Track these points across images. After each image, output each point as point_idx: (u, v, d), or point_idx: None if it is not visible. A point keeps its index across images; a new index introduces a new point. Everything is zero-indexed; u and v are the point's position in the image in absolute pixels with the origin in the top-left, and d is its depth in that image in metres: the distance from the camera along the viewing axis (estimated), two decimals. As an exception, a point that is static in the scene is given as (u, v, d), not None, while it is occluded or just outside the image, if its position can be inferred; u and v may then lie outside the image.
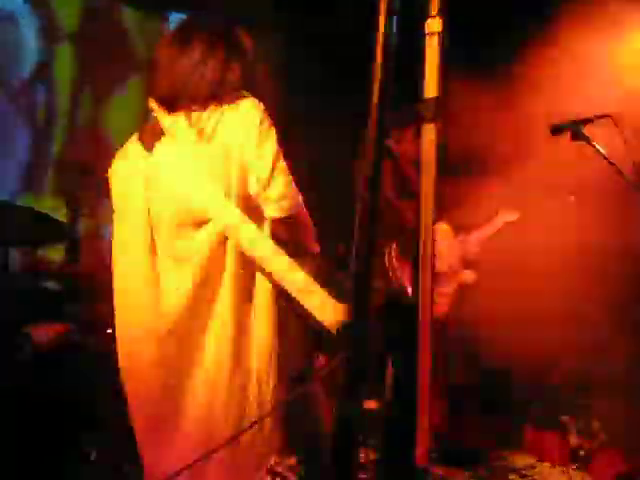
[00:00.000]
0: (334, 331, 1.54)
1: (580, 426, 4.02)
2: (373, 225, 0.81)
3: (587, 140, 2.37)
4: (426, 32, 0.79)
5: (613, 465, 3.75)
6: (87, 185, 3.65)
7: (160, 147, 1.72)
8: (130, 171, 1.78)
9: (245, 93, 1.73)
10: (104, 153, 4.32)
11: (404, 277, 2.70)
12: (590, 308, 3.68)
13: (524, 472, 3.87)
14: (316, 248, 1.78)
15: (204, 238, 1.66)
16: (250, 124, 1.65)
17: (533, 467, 4.00)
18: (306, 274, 1.60)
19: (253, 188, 1.66)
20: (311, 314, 1.57)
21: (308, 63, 4.72)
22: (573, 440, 4.01)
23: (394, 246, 2.75)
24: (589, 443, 3.95)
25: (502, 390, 4.49)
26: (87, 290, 3.20)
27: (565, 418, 4.11)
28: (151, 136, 1.75)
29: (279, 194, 1.66)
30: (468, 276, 3.11)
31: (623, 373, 3.52)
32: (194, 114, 1.69)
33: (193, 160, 1.66)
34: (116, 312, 1.81)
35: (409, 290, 2.68)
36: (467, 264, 3.17)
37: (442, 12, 0.78)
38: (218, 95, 1.70)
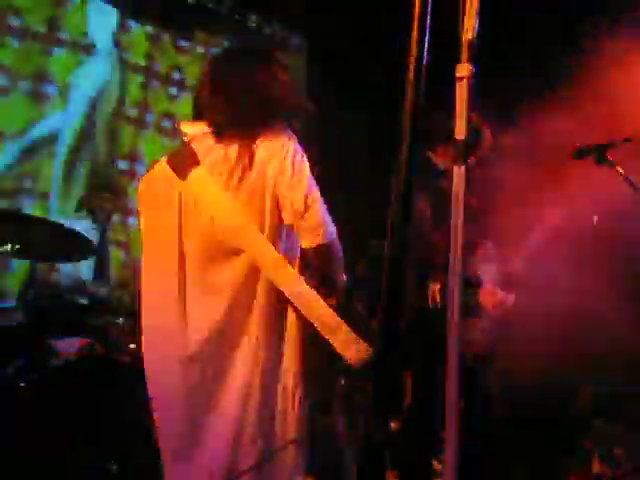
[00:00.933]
0: (355, 367, 1.59)
1: (603, 453, 3.94)
2: (403, 252, 0.83)
3: (611, 164, 2.37)
4: (456, 76, 0.81)
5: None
6: (118, 206, 3.75)
7: (194, 176, 1.72)
8: (160, 196, 1.78)
9: (277, 124, 1.74)
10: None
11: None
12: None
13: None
14: (343, 277, 1.80)
15: (236, 270, 1.67)
16: (284, 155, 1.67)
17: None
18: (331, 309, 1.62)
19: (288, 218, 1.68)
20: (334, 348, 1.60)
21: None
22: (596, 468, 3.94)
23: (439, 285, 2.76)
24: (612, 470, 3.88)
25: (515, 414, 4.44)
26: (113, 307, 3.25)
27: (587, 443, 4.04)
28: (184, 163, 1.74)
29: (315, 223, 1.67)
30: (509, 299, 2.98)
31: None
32: (233, 144, 1.69)
33: (228, 191, 1.67)
34: (143, 335, 1.82)
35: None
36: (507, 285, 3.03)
37: (473, 58, 0.81)
38: (272, 119, 1.71)
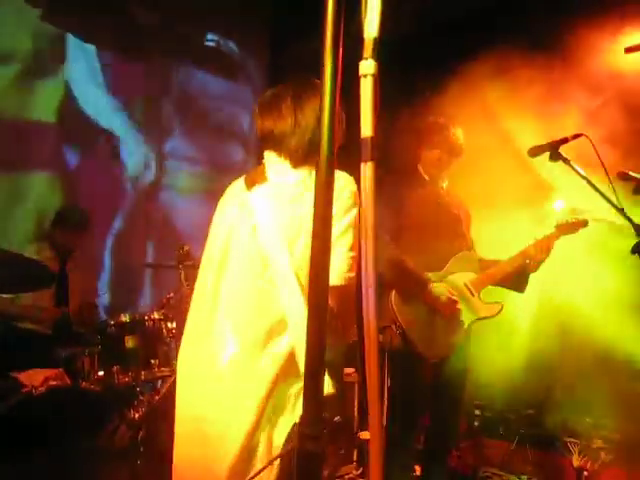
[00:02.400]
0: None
1: (583, 446, 3.97)
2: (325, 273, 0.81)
3: (565, 160, 2.40)
4: (360, 74, 0.81)
5: (617, 484, 3.71)
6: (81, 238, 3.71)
7: (258, 188, 1.83)
8: (226, 205, 1.90)
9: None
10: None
11: (402, 320, 2.73)
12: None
13: (529, 496, 3.82)
14: (351, 337, 1.81)
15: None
16: (338, 196, 1.72)
17: (538, 490, 3.95)
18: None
19: None
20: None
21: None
22: (576, 461, 3.97)
23: (394, 292, 2.76)
24: (592, 464, 3.91)
25: (498, 412, 4.46)
26: (78, 335, 3.19)
27: (568, 439, 4.08)
28: (254, 178, 1.87)
29: (338, 265, 1.70)
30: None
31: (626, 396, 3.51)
32: (302, 170, 1.79)
33: (280, 216, 1.74)
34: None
35: (408, 332, 2.73)
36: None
37: (378, 55, 0.81)
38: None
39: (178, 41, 4.95)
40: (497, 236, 3.31)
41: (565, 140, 2.42)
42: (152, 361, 3.20)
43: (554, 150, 2.42)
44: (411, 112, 3.74)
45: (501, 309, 2.88)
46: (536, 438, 4.24)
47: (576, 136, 2.41)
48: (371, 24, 0.80)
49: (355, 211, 1.73)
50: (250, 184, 1.86)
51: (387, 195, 2.84)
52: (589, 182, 2.31)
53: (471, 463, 4.12)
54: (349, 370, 3.91)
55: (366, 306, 0.82)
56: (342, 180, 1.74)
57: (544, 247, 2.87)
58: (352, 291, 1.76)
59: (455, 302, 2.74)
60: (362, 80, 0.81)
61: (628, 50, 4.04)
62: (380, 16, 0.80)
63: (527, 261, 2.87)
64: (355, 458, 4.01)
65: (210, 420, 1.68)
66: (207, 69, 5.15)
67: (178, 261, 3.10)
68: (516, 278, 2.92)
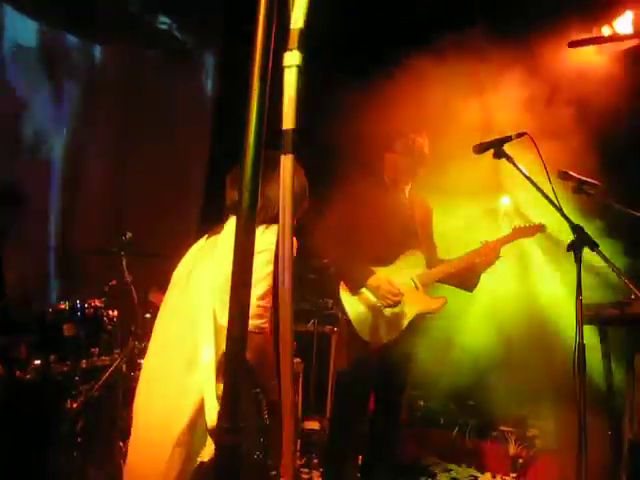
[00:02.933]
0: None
1: (519, 435, 4.11)
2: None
3: (509, 158, 2.46)
4: (284, 65, 0.80)
5: (549, 471, 3.86)
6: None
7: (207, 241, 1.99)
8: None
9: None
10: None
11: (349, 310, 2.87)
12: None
13: (466, 483, 3.93)
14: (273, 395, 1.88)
15: None
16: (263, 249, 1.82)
17: (474, 478, 4.06)
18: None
19: None
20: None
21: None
22: (512, 449, 4.10)
23: (342, 284, 2.91)
24: (527, 452, 4.05)
25: (443, 403, 4.57)
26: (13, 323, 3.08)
27: (504, 428, 4.21)
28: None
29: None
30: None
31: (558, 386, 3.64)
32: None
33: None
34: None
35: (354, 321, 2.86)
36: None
37: (302, 46, 0.80)
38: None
39: (129, 21, 4.81)
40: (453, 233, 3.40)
41: (509, 138, 2.47)
42: (92, 350, 3.13)
43: (498, 148, 2.48)
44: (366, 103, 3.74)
45: (444, 303, 2.95)
46: (475, 428, 4.36)
47: (519, 135, 2.46)
48: (297, 15, 0.79)
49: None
50: (209, 236, 2.01)
51: (346, 194, 2.96)
52: (530, 180, 2.37)
53: (412, 452, 4.21)
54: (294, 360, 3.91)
55: (282, 295, 0.82)
56: (272, 236, 1.84)
57: (493, 249, 2.95)
58: (263, 341, 1.83)
59: (396, 293, 2.83)
60: (286, 71, 0.80)
61: (572, 44, 4.17)
62: (307, 6, 0.79)
63: (477, 261, 2.95)
64: (298, 448, 4.03)
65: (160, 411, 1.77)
66: (157, 52, 5.02)
67: (120, 248, 3.03)
68: (464, 277, 3.00)
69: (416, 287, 2.94)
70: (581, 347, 2.21)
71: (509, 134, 2.48)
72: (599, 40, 4.18)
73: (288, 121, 0.80)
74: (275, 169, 1.88)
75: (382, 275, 2.86)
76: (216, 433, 0.70)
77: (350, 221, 2.92)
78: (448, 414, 4.52)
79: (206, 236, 2.03)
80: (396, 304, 2.85)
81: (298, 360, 3.96)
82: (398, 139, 3.03)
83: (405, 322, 2.89)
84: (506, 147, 2.46)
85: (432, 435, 4.48)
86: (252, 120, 0.77)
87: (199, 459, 1.69)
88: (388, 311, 2.87)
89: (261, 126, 0.77)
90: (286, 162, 0.82)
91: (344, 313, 2.86)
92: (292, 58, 0.80)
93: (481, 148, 2.52)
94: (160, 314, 1.97)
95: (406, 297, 2.88)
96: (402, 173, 3.05)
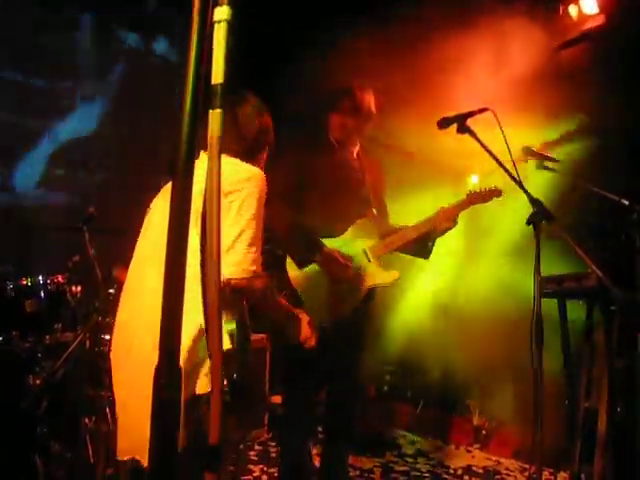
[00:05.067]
0: None
1: (482, 407, 4.22)
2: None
3: (471, 133, 2.48)
4: (214, 20, 0.80)
5: (511, 441, 3.97)
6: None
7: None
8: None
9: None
10: None
11: (296, 285, 2.72)
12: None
13: (431, 455, 4.02)
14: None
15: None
16: (246, 189, 1.79)
17: (440, 449, 4.16)
18: None
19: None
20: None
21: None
22: (476, 421, 4.21)
23: (288, 258, 2.75)
24: (489, 423, 4.16)
25: (408, 376, 4.66)
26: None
27: (469, 401, 4.31)
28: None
29: (237, 260, 1.75)
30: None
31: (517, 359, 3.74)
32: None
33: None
34: None
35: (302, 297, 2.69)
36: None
37: (232, 1, 0.80)
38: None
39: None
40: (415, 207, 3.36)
41: (471, 113, 2.49)
42: (55, 326, 3.10)
43: (461, 123, 2.49)
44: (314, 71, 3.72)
45: (397, 277, 2.80)
46: (440, 401, 4.46)
47: (482, 110, 2.48)
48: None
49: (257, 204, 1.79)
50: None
51: (290, 160, 2.80)
52: (491, 154, 2.39)
53: (379, 426, 4.28)
54: (259, 336, 3.94)
55: (209, 264, 0.82)
56: (244, 173, 1.82)
57: (449, 216, 2.84)
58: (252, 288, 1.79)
59: (347, 267, 2.69)
60: (216, 26, 0.79)
61: (561, 46, 4.19)
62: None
63: (432, 229, 2.84)
64: (266, 422, 4.07)
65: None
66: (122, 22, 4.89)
67: (83, 223, 2.98)
68: (419, 245, 2.90)
69: (368, 259, 2.78)
70: (539, 319, 2.27)
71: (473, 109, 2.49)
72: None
73: (217, 76, 0.80)
74: (245, 106, 1.96)
75: (331, 248, 2.70)
76: (155, 388, 0.70)
77: (295, 189, 2.75)
78: (414, 388, 4.61)
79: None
80: (348, 279, 2.70)
81: (264, 336, 3.98)
82: (340, 98, 2.86)
83: (358, 297, 2.74)
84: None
85: (398, 409, 4.56)
86: (190, 75, 0.76)
87: (192, 392, 1.65)
88: (337, 286, 2.69)
89: (198, 81, 0.76)
90: (214, 117, 0.81)
91: (290, 289, 2.68)
92: (221, 13, 0.79)
93: (444, 123, 2.52)
94: (133, 265, 1.92)
95: (357, 270, 2.73)
96: (349, 134, 2.87)
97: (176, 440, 0.74)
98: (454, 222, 2.87)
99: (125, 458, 1.69)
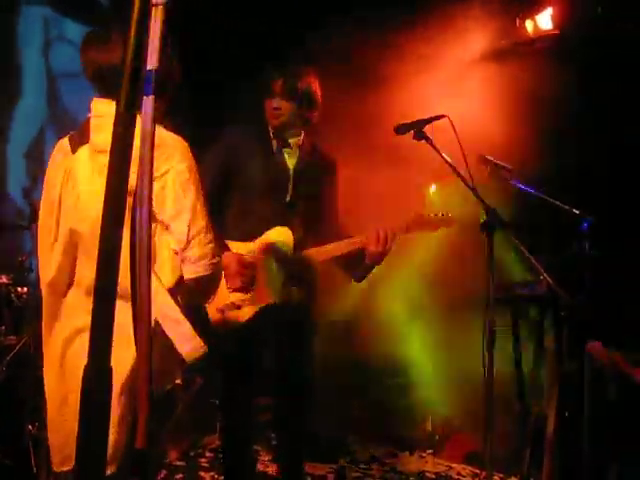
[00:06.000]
0: (188, 362, 1.58)
1: (435, 413, 4.25)
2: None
3: (428, 140, 2.50)
4: (152, 3, 0.78)
5: (463, 446, 4.01)
6: None
7: (80, 153, 1.62)
8: (53, 170, 1.70)
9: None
10: None
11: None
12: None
13: (385, 461, 4.02)
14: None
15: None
16: (173, 169, 1.58)
17: (393, 455, 4.16)
18: (176, 304, 1.56)
19: (172, 243, 1.59)
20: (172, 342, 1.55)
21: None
22: (429, 426, 4.24)
23: None
24: (442, 428, 4.19)
25: (358, 381, 4.65)
26: None
27: (422, 408, 4.34)
28: (79, 140, 1.64)
29: (197, 256, 1.59)
30: None
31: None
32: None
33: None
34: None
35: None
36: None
37: None
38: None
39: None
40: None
41: (428, 120, 2.51)
42: (-1, 328, 2.98)
43: (418, 129, 2.51)
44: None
45: (299, 299, 2.53)
46: (393, 406, 4.47)
47: (439, 117, 2.50)
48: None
49: (196, 184, 1.62)
50: (74, 145, 1.64)
51: (222, 144, 2.62)
52: (447, 162, 2.42)
53: (333, 431, 4.26)
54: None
55: (139, 252, 0.78)
56: (174, 150, 1.60)
57: (381, 239, 2.44)
58: (219, 273, 1.70)
59: (240, 277, 2.43)
60: (153, 9, 0.77)
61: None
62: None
63: (353, 251, 2.49)
64: (218, 428, 4.00)
65: None
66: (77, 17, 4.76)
67: (29, 222, 2.88)
68: (348, 267, 2.61)
69: (273, 273, 2.51)
70: (491, 325, 2.30)
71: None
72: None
73: (152, 61, 0.77)
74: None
75: (233, 254, 2.45)
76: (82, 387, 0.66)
77: (218, 180, 2.52)
78: (368, 393, 4.61)
79: (68, 142, 1.67)
80: (244, 289, 2.46)
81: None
82: (274, 79, 2.54)
83: (254, 311, 2.47)
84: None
85: (352, 414, 4.55)
86: (128, 60, 0.73)
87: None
88: (235, 296, 2.46)
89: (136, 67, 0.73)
90: (148, 103, 0.78)
91: None
92: None
93: (402, 128, 2.54)
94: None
95: (259, 283, 2.48)
96: (287, 122, 2.56)
97: (104, 446, 0.70)
98: (384, 247, 2.45)
99: (63, 469, 1.59)
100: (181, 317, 1.56)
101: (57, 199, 1.62)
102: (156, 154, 1.52)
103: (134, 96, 0.74)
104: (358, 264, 2.54)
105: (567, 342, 2.84)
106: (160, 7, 0.76)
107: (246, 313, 2.48)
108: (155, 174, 1.52)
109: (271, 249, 2.51)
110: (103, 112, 1.61)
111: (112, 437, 1.42)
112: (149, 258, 0.79)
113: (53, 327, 1.66)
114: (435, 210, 2.58)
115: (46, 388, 1.66)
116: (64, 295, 1.64)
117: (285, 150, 2.63)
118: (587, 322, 2.74)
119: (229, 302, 2.48)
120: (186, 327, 1.56)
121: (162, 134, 1.58)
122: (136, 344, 0.84)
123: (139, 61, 0.74)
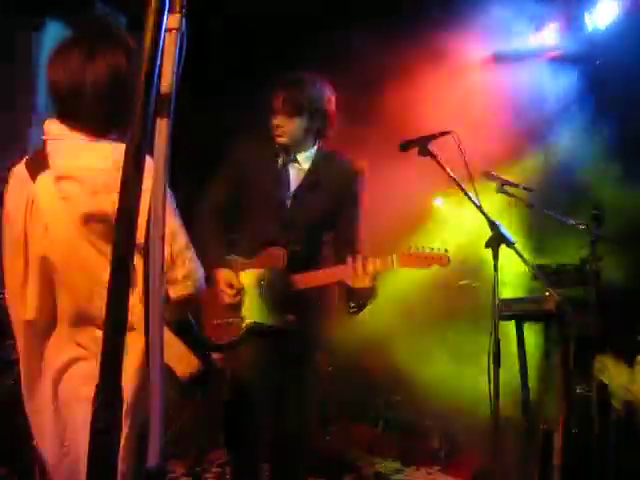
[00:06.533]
0: (184, 381, 1.55)
1: (442, 430, 4.21)
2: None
3: (432, 156, 2.50)
4: (167, 28, 0.79)
5: (470, 463, 3.97)
6: None
7: (42, 180, 1.51)
8: (14, 198, 1.57)
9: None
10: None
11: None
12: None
13: (391, 477, 3.99)
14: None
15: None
16: (149, 190, 1.50)
17: (399, 471, 4.13)
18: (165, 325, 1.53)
19: None
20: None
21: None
22: (436, 443, 4.21)
23: None
24: (449, 445, 4.16)
25: (366, 397, 4.63)
26: None
27: (428, 423, 4.31)
28: (37, 165, 1.53)
29: (182, 276, 1.55)
30: None
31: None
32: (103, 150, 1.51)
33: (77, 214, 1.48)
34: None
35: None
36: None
37: (185, 9, 0.79)
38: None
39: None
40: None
41: (433, 136, 2.52)
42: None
43: (423, 145, 2.52)
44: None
45: (286, 322, 2.42)
46: (400, 422, 4.44)
47: (444, 133, 2.51)
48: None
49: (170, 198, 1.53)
50: (33, 172, 1.52)
51: (236, 159, 2.60)
52: (452, 178, 2.42)
53: (337, 446, 4.23)
54: (218, 355, 3.87)
55: (152, 263, 0.79)
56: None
57: (360, 276, 2.27)
58: (203, 290, 1.64)
59: (228, 295, 2.41)
60: (167, 35, 0.78)
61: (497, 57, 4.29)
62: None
63: (340, 280, 2.35)
64: (224, 443, 3.99)
65: None
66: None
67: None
68: (344, 298, 2.48)
69: (261, 294, 2.43)
70: (496, 342, 2.29)
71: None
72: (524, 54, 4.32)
73: (166, 85, 0.79)
74: (107, 45, 1.51)
75: (226, 271, 2.42)
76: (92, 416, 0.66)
77: (230, 193, 2.54)
78: (374, 409, 4.59)
79: (25, 168, 1.55)
80: (233, 307, 2.43)
81: (222, 356, 3.90)
82: (276, 95, 2.44)
83: (240, 329, 2.43)
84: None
85: (358, 429, 4.53)
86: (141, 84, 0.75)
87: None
88: (227, 311, 2.44)
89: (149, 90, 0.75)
90: (162, 125, 0.80)
91: None
92: (174, 21, 0.79)
93: (406, 145, 2.55)
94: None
95: (247, 302, 2.42)
96: (291, 139, 2.47)
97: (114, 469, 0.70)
98: (369, 281, 2.28)
99: None
100: (172, 337, 1.54)
101: (22, 236, 1.51)
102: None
103: (147, 122, 0.75)
104: (351, 296, 2.41)
105: (574, 359, 2.82)
106: (174, 32, 0.78)
107: (234, 331, 2.45)
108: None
109: (260, 271, 2.46)
110: (58, 134, 1.55)
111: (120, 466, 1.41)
112: (161, 284, 0.79)
113: (37, 369, 1.56)
114: (430, 244, 2.36)
115: (40, 436, 1.57)
116: (48, 336, 1.55)
117: (292, 165, 2.54)
118: (594, 338, 2.73)
119: (221, 319, 2.47)
120: (178, 347, 1.55)
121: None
122: (149, 367, 0.84)
123: (151, 85, 0.75)
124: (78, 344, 1.54)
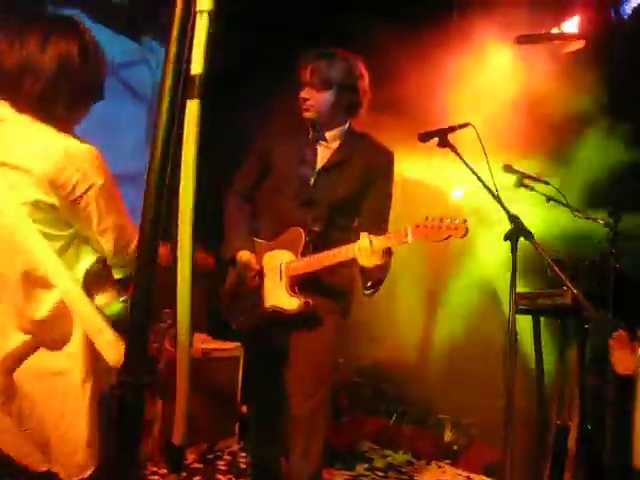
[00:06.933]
0: (115, 366, 1.51)
1: (454, 423, 4.21)
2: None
3: (452, 148, 2.48)
4: (196, 10, 0.79)
5: (481, 457, 3.97)
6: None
7: None
8: None
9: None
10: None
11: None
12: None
13: (402, 469, 4.00)
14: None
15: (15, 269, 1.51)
16: (95, 186, 1.52)
17: (410, 464, 4.13)
18: (98, 311, 1.54)
19: (99, 250, 1.61)
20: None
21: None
22: (447, 436, 4.20)
23: None
24: (461, 438, 4.16)
25: (378, 389, 4.64)
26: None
27: (441, 416, 4.31)
28: None
29: (128, 261, 1.62)
30: None
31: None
32: (40, 134, 1.52)
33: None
34: None
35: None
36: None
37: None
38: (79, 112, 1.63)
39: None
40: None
41: (453, 128, 2.49)
42: None
43: (442, 137, 2.49)
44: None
45: (302, 306, 2.29)
46: (412, 415, 4.44)
47: (463, 125, 2.49)
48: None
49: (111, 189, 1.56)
50: None
51: (265, 138, 2.57)
52: (471, 170, 2.40)
53: (349, 438, 4.25)
54: (233, 344, 3.90)
55: (181, 242, 0.79)
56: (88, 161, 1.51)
57: (375, 249, 2.12)
58: None
59: (250, 278, 2.40)
60: (197, 16, 0.78)
61: (520, 40, 4.26)
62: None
63: (349, 259, 2.20)
64: (236, 432, 4.01)
65: None
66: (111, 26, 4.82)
67: None
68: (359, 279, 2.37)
69: (280, 277, 2.37)
70: (513, 335, 2.27)
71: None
72: (547, 37, 4.28)
73: (197, 66, 0.79)
74: (62, 34, 1.51)
75: (245, 253, 2.40)
76: (117, 386, 0.67)
77: (257, 177, 2.53)
78: (386, 401, 4.59)
79: None
80: (238, 292, 2.45)
81: (238, 344, 3.93)
82: (302, 67, 2.36)
83: (258, 313, 2.41)
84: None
85: (370, 421, 4.54)
86: (170, 66, 0.75)
87: None
88: (247, 293, 2.44)
89: (179, 72, 0.74)
90: (192, 106, 0.80)
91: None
92: (203, 3, 0.78)
93: (425, 136, 2.52)
94: None
95: (267, 285, 2.40)
96: (319, 114, 2.38)
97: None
98: (378, 258, 2.14)
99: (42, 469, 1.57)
100: (103, 325, 1.53)
101: None
102: (70, 172, 1.46)
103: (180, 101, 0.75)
104: (363, 276, 2.31)
105: (590, 354, 2.80)
106: (204, 14, 0.78)
107: (253, 315, 2.46)
108: (76, 194, 1.49)
109: (281, 252, 2.41)
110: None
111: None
112: (190, 278, 0.79)
113: None
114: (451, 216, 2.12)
115: None
116: None
117: (320, 143, 2.45)
118: (610, 334, 2.70)
119: (242, 303, 2.48)
120: (108, 334, 1.53)
121: (70, 150, 1.50)
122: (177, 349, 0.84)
123: (180, 68, 0.75)
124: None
